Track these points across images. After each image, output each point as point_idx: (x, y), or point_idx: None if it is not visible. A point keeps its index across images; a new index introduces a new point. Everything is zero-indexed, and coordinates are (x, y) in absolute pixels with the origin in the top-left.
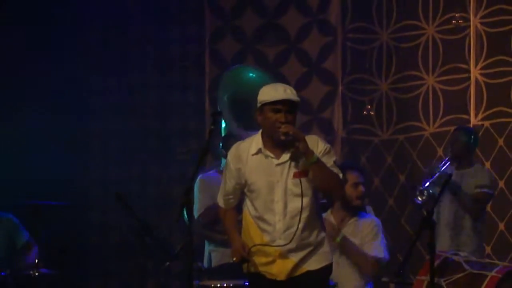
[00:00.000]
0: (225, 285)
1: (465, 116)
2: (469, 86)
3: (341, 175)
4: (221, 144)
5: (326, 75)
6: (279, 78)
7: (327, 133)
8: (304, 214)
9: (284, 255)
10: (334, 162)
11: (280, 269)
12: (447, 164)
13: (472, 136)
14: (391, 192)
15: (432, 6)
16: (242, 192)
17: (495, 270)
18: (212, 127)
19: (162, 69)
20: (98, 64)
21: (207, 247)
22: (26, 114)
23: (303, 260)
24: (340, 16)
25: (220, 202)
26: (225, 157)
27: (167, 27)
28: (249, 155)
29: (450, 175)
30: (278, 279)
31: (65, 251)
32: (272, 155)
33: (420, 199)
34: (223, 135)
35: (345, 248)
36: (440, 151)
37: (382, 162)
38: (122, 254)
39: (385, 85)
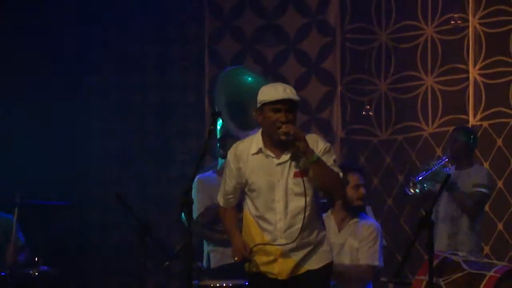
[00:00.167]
0: (224, 285)
1: (463, 117)
2: (467, 86)
3: (341, 174)
4: (218, 144)
5: (325, 75)
6: (278, 78)
7: (326, 133)
8: (306, 213)
9: (285, 254)
10: (334, 161)
11: (281, 269)
12: (444, 161)
13: (472, 136)
14: (390, 192)
15: (431, 7)
16: (242, 191)
17: (494, 269)
18: (212, 127)
19: (161, 69)
20: (98, 64)
21: (206, 248)
22: (25, 114)
23: (304, 259)
24: (339, 17)
25: (220, 201)
26: (223, 157)
27: (166, 27)
28: (249, 155)
29: (449, 175)
30: (279, 278)
31: (65, 250)
32: (272, 154)
33: (411, 191)
34: (219, 135)
35: (337, 270)
36: (439, 151)
37: (381, 162)
38: (122, 254)
39: (384, 85)
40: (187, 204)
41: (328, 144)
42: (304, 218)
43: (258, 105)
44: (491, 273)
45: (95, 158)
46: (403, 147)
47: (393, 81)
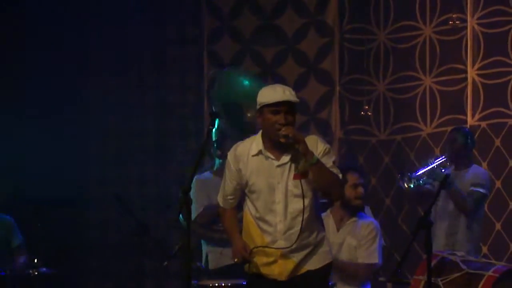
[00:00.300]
0: (223, 284)
1: (462, 117)
2: (466, 86)
3: (340, 176)
4: (215, 145)
5: (324, 75)
6: (277, 78)
7: (325, 134)
8: (305, 215)
9: (285, 255)
10: (334, 162)
11: (281, 270)
12: (442, 160)
13: (469, 137)
14: (388, 192)
15: (429, 7)
16: (242, 192)
17: (492, 269)
18: (210, 127)
19: (160, 69)
20: (96, 64)
21: (205, 248)
22: (24, 114)
23: (303, 260)
24: (338, 17)
25: (220, 202)
26: (219, 157)
27: (165, 28)
28: (249, 156)
29: (447, 175)
30: (279, 279)
31: (64, 250)
32: (272, 156)
33: (406, 185)
34: (216, 136)
35: (336, 265)
36: (437, 151)
37: (380, 162)
38: (121, 254)
39: (383, 85)
40: (186, 204)
41: (327, 146)
42: (302, 220)
43: (258, 106)
44: (490, 273)
45: (94, 158)
46: (401, 147)
47: (391, 81)
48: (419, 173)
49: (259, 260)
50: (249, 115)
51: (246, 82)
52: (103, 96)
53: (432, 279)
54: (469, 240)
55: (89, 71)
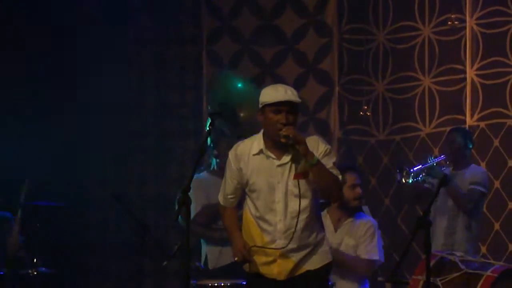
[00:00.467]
0: (222, 284)
1: (461, 117)
2: (465, 87)
3: (340, 177)
4: (211, 145)
5: (323, 75)
6: (276, 78)
7: (324, 134)
8: (304, 215)
9: (284, 255)
10: (334, 163)
11: (280, 269)
12: (442, 159)
13: (468, 137)
14: (387, 192)
15: (428, 7)
16: (243, 191)
17: (491, 269)
18: (210, 127)
19: (160, 69)
20: (96, 64)
21: (204, 248)
22: (24, 114)
23: (303, 260)
24: (337, 17)
25: (221, 200)
26: (216, 157)
27: (165, 28)
28: (250, 155)
29: (446, 175)
30: (278, 279)
31: (63, 250)
32: (273, 156)
33: (404, 181)
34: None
35: (337, 259)
36: (436, 152)
37: (379, 163)
38: (120, 254)
39: (382, 85)
40: (186, 204)
41: (328, 146)
42: (298, 220)
43: (260, 106)
44: (488, 273)
45: (94, 158)
46: (400, 147)
47: (390, 82)
48: (418, 169)
49: (259, 259)
50: (242, 115)
51: (240, 85)
52: (103, 96)
53: (431, 279)
54: (468, 240)
55: (89, 71)
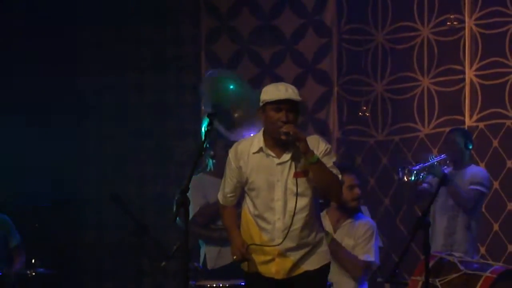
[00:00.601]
0: (221, 285)
1: (460, 117)
2: (464, 87)
3: (340, 176)
4: (208, 146)
5: (322, 76)
6: (275, 78)
7: (323, 134)
8: (304, 213)
9: (283, 254)
10: (334, 163)
11: (278, 268)
12: (442, 158)
13: (468, 138)
14: (386, 192)
15: (427, 8)
16: (242, 190)
17: (490, 270)
18: (208, 127)
19: (158, 69)
20: (94, 64)
21: (203, 249)
22: (23, 114)
23: (301, 260)
24: (336, 17)
25: (220, 199)
26: (212, 157)
27: (163, 28)
28: (250, 154)
29: (446, 175)
30: (276, 277)
31: (61, 250)
32: (273, 154)
33: (406, 179)
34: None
35: (334, 250)
36: (435, 152)
37: (378, 163)
38: (119, 254)
39: (381, 86)
40: (184, 204)
41: (329, 146)
42: (293, 218)
43: (261, 104)
44: (487, 273)
45: (92, 158)
46: (399, 148)
47: (389, 82)
48: (419, 167)
49: (257, 258)
50: (237, 115)
51: (231, 86)
52: (102, 96)
53: (430, 279)
54: (467, 240)
55: (87, 70)
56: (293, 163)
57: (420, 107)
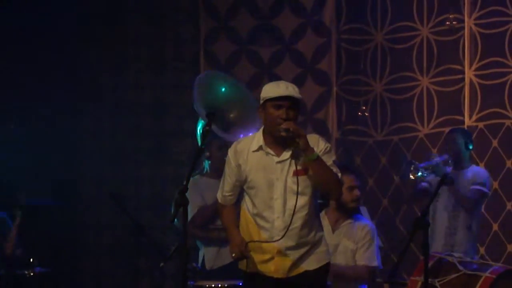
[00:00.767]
0: (219, 285)
1: (459, 117)
2: (463, 87)
3: (340, 175)
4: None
5: (321, 76)
6: (273, 78)
7: (321, 134)
8: (304, 212)
9: (282, 252)
10: (334, 162)
11: (278, 267)
12: (444, 158)
13: (469, 138)
14: (385, 192)
15: (427, 7)
16: (241, 189)
17: (489, 271)
18: (207, 128)
19: (157, 69)
20: (93, 64)
21: (201, 249)
22: (21, 114)
23: (300, 259)
24: (335, 17)
25: (219, 198)
26: (208, 159)
27: (162, 28)
28: (249, 152)
29: (446, 174)
30: (275, 276)
31: (59, 251)
32: (272, 152)
33: (412, 176)
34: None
35: (335, 272)
36: (434, 152)
37: (377, 163)
38: (116, 254)
39: (380, 86)
40: (183, 205)
41: (328, 145)
42: (293, 216)
43: (261, 101)
44: (487, 274)
45: (90, 158)
46: (398, 148)
47: (388, 82)
48: (426, 164)
49: (256, 257)
50: (232, 115)
51: (223, 89)
52: (100, 96)
53: (429, 280)
54: (468, 240)
55: (86, 70)
56: (292, 162)
57: (419, 107)
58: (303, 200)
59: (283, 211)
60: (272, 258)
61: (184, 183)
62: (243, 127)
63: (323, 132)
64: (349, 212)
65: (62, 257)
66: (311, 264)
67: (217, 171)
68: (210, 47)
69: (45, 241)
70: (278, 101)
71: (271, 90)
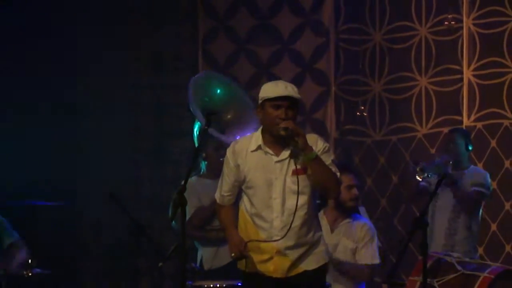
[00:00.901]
0: (218, 285)
1: (457, 117)
2: (461, 87)
3: (338, 174)
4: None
5: (319, 75)
6: (272, 78)
7: (320, 134)
8: (303, 212)
9: (281, 252)
10: (332, 161)
11: (277, 266)
12: (447, 158)
13: (468, 139)
14: (384, 192)
15: (425, 7)
16: (240, 189)
17: (488, 271)
18: (206, 127)
19: (155, 69)
20: (92, 64)
21: (199, 249)
22: (20, 114)
23: (299, 259)
24: (333, 17)
25: (218, 199)
26: (204, 159)
27: (160, 27)
28: (248, 152)
29: (445, 174)
30: (274, 276)
31: (58, 251)
32: (271, 152)
33: (419, 178)
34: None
35: (337, 267)
36: (433, 152)
37: (375, 163)
38: (115, 254)
39: (378, 86)
40: (182, 204)
41: (327, 144)
42: (294, 216)
43: (260, 101)
44: (485, 274)
45: (89, 158)
46: (397, 147)
47: (387, 82)
48: (434, 165)
49: (255, 257)
50: (229, 116)
51: (218, 91)
52: (99, 96)
53: (428, 280)
54: (468, 240)
55: (86, 70)
56: (291, 161)
57: (417, 107)
58: (302, 199)
59: (282, 211)
60: (271, 258)
61: (182, 183)
62: (240, 128)
63: (321, 132)
64: (347, 212)
65: (61, 257)
66: (310, 264)
67: (214, 172)
68: (209, 47)
69: (44, 241)
70: (277, 101)
71: (270, 90)
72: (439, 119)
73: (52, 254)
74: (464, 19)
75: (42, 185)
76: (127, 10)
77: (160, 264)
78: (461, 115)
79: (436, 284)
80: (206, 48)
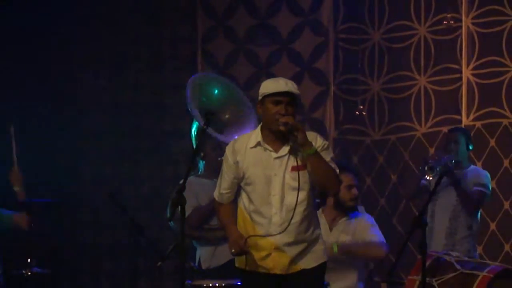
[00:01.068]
0: (217, 284)
1: (456, 117)
2: (460, 86)
3: (338, 171)
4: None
5: (318, 75)
6: (271, 78)
7: (319, 133)
8: (302, 208)
9: (279, 249)
10: (332, 158)
11: (275, 263)
12: (450, 158)
13: (469, 138)
14: (383, 192)
15: (424, 7)
16: (238, 186)
17: (487, 270)
18: (205, 127)
19: (155, 69)
20: (91, 64)
21: (198, 249)
22: (18, 113)
23: (298, 257)
24: (332, 16)
25: (217, 196)
26: (203, 159)
27: (159, 27)
28: (247, 148)
29: (450, 172)
30: (273, 272)
31: (57, 250)
32: (270, 148)
33: (428, 177)
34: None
35: (346, 250)
36: (431, 151)
37: (374, 162)
38: (114, 254)
39: (377, 85)
40: (181, 204)
41: (326, 142)
42: (294, 212)
43: (259, 97)
44: (484, 273)
45: (88, 157)
46: (396, 147)
47: (386, 81)
48: (441, 164)
49: (253, 254)
50: (227, 116)
51: (216, 91)
52: (98, 96)
53: (427, 279)
54: (469, 240)
55: (84, 69)
56: (291, 157)
57: (416, 106)
58: (301, 195)
59: (281, 207)
60: (269, 255)
61: (181, 182)
62: (238, 128)
63: (320, 131)
64: (346, 211)
65: (60, 257)
66: (308, 262)
67: (212, 172)
68: (207, 47)
69: (44, 240)
70: (277, 96)
71: (270, 86)
72: (438, 119)
73: (51, 254)
74: (463, 18)
75: (42, 185)
76: (127, 10)
77: (159, 263)
78: (460, 114)
79: (435, 283)
80: (205, 48)
